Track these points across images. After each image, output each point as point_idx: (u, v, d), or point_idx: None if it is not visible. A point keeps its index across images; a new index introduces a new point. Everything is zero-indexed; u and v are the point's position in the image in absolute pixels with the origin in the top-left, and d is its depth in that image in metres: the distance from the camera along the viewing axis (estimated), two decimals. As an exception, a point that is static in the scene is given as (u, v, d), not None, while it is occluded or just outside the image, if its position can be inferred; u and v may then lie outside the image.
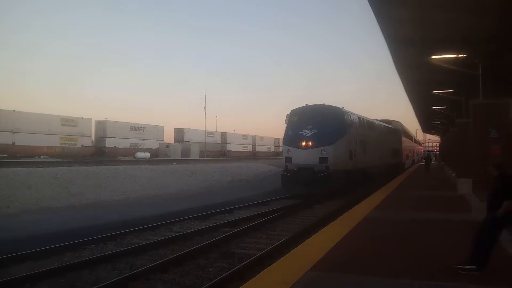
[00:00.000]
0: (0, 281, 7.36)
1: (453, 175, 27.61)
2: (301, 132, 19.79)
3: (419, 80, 21.57)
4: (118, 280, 7.41)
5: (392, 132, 34.05)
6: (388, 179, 25.91)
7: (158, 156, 70.24)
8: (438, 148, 72.87)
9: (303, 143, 19.48)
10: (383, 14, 12.35)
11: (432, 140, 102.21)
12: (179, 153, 72.45)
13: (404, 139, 39.85)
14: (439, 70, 17.28)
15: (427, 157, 41.78)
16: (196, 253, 9.44)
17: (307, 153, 19.35)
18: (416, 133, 74.57)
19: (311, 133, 19.48)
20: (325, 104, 21.36)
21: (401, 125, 39.23)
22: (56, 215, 14.36)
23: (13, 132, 57.03)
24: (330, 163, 18.93)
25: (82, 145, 67.24)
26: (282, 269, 6.11)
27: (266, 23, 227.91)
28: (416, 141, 63.35)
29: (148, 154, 68.57)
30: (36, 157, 53.00)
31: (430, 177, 29.57)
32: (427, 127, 56.66)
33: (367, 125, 24.90)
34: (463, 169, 18.76)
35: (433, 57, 15.84)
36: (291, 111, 21.43)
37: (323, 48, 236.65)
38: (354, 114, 22.55)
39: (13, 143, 56.94)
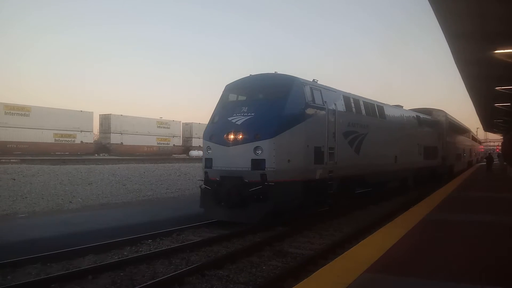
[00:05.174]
0: (65, 273, 7.80)
1: (518, 176, 26.25)
2: (230, 119, 12.36)
3: (480, 76, 20.60)
4: (175, 276, 7.60)
5: (427, 124, 25.36)
6: (423, 190, 20.96)
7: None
8: (500, 147, 69.29)
9: (231, 136, 12.00)
10: (443, 9, 11.94)
11: (494, 139, 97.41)
12: (231, 151, 74.91)
13: (451, 134, 31.67)
14: (502, 65, 16.44)
15: (489, 156, 40.35)
16: (249, 251, 9.54)
17: (234, 152, 11.92)
18: (476, 131, 71.13)
19: (244, 120, 12.02)
20: (276, 73, 13.42)
21: (446, 115, 29.78)
22: (115, 210, 14.94)
23: (121, 133, 64.10)
24: (268, 168, 11.34)
25: (174, 145, 73.72)
26: (337, 269, 6.03)
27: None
28: (474, 138, 56.57)
29: (201, 152, 70.97)
30: (96, 155, 56.00)
31: (492, 178, 28.23)
32: (488, 125, 53.98)
33: (365, 110, 16.29)
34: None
35: (496, 51, 15.09)
36: (226, 86, 13.98)
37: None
38: (336, 91, 14.52)
39: (121, 143, 63.90)
